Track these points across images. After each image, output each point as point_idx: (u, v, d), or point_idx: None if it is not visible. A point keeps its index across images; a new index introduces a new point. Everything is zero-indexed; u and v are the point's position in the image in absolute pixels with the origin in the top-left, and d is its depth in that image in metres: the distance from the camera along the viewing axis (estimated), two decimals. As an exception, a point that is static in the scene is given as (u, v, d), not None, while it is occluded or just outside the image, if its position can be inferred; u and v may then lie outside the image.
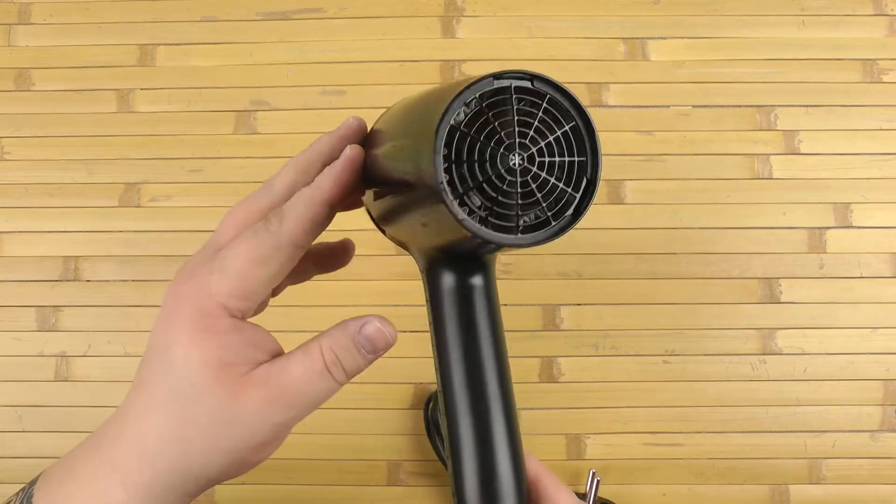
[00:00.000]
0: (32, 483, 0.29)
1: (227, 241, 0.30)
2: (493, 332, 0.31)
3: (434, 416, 0.62)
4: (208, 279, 0.28)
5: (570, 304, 0.65)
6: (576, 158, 0.26)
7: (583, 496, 0.60)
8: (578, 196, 0.26)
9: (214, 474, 0.28)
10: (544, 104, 0.25)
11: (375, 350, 0.29)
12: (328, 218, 0.31)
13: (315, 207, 0.29)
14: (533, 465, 0.32)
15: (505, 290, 0.65)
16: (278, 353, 0.31)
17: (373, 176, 0.32)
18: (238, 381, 0.27)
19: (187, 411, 0.26)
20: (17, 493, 0.29)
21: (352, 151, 0.31)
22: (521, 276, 0.65)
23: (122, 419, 0.29)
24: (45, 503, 0.28)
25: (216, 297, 0.27)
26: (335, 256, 0.38)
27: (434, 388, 0.64)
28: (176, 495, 0.27)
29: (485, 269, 0.31)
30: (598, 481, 0.59)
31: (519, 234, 0.25)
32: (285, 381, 0.28)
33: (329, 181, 0.30)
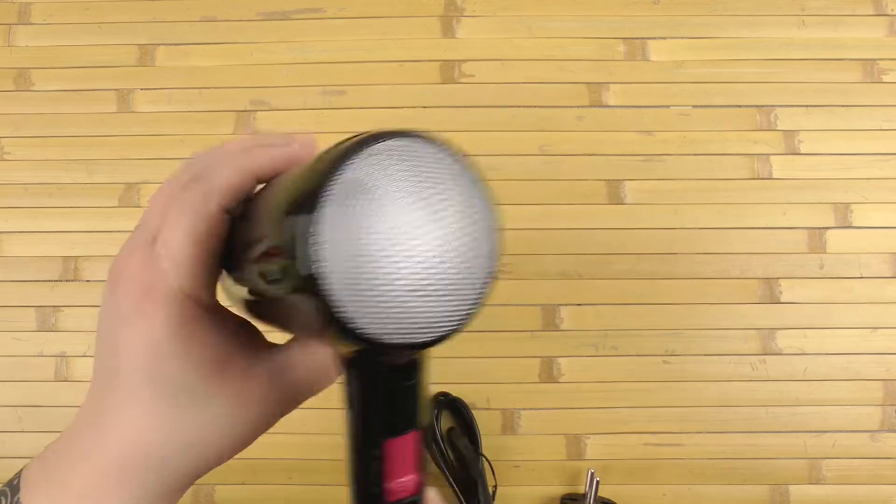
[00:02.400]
0: (15, 490, 0.27)
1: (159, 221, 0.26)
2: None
3: (432, 425, 0.62)
4: (160, 270, 0.25)
5: (570, 304, 0.65)
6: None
7: (583, 496, 0.60)
8: None
9: (201, 473, 0.27)
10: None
11: None
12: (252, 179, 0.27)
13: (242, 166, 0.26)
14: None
15: (505, 290, 0.65)
16: (265, 344, 0.29)
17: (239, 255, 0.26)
18: (239, 380, 0.26)
19: (183, 417, 0.25)
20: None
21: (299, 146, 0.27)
22: (521, 276, 0.65)
23: (100, 423, 0.26)
24: None
25: (183, 289, 0.25)
26: None
27: (434, 391, 0.64)
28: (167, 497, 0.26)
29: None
30: (597, 482, 0.59)
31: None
32: (289, 378, 0.28)
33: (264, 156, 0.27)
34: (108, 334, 0.26)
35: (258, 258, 0.23)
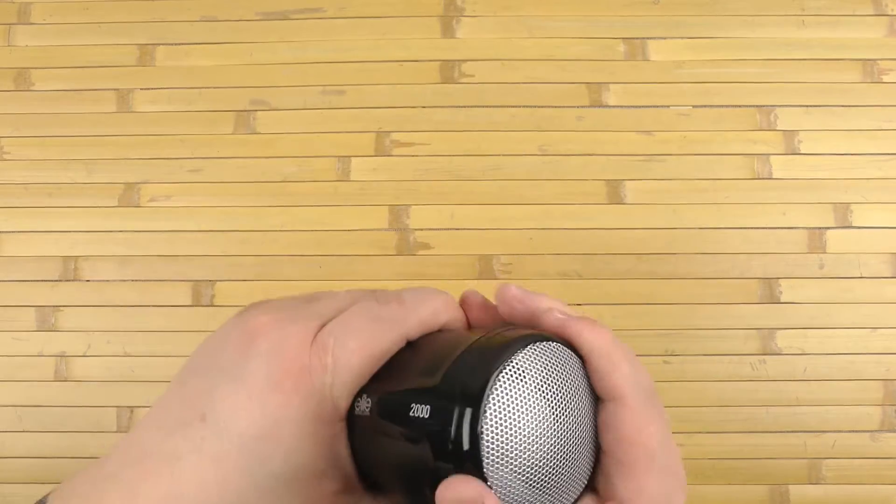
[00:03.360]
0: None
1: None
2: None
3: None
4: (321, 378, 0.23)
5: (570, 304, 0.65)
6: None
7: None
8: None
9: None
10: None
11: None
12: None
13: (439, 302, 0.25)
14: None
15: (505, 290, 0.65)
16: (357, 489, 0.25)
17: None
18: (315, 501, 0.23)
19: (249, 499, 0.22)
20: None
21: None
22: (521, 276, 0.65)
23: (157, 463, 0.23)
24: None
25: (332, 391, 0.23)
26: None
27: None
28: None
29: None
30: None
31: None
32: None
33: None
34: (213, 376, 0.23)
35: (410, 398, 0.22)
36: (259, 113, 0.69)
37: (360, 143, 0.68)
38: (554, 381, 0.20)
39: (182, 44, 0.70)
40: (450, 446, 0.19)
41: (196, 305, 0.66)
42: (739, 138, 0.68)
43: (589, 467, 0.21)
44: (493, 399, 0.19)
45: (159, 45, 0.70)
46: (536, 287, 0.65)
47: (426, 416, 0.20)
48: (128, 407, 0.65)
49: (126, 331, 0.65)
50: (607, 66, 0.69)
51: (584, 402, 0.21)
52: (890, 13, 0.69)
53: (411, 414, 0.21)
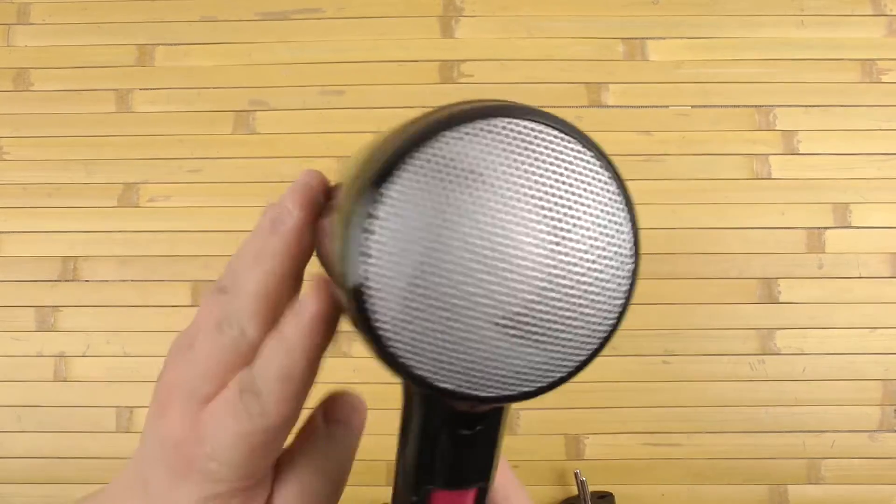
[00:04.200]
0: None
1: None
2: None
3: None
4: (206, 465, 0.23)
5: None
6: None
7: (577, 498, 0.60)
8: None
9: None
10: None
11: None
12: (314, 370, 0.23)
13: (295, 374, 0.22)
14: (504, 479, 0.29)
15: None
16: None
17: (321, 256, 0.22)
18: None
19: None
20: None
21: (315, 303, 0.21)
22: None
23: None
24: None
25: (225, 482, 0.24)
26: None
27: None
28: None
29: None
30: (583, 481, 0.59)
31: None
32: None
33: (297, 334, 0.22)
34: (147, 450, 0.25)
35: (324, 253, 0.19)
36: (258, 113, 0.69)
37: (359, 143, 0.68)
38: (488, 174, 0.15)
39: (181, 44, 0.70)
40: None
41: (196, 305, 0.66)
42: (738, 138, 0.68)
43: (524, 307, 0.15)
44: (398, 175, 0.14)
45: (159, 45, 0.70)
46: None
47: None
48: (127, 407, 0.65)
49: (126, 331, 0.65)
50: (606, 66, 0.69)
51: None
52: (889, 13, 0.69)
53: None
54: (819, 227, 0.66)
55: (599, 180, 0.16)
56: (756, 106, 0.68)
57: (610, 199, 0.16)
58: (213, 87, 0.69)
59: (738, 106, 0.68)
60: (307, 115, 0.68)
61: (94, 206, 0.67)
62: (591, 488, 0.60)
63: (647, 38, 0.69)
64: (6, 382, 0.65)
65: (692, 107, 0.68)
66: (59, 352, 0.65)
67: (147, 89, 0.69)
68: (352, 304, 0.15)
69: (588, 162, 0.16)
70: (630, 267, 0.16)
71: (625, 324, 0.61)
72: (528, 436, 0.63)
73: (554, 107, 0.68)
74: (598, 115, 0.67)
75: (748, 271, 0.65)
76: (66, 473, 0.63)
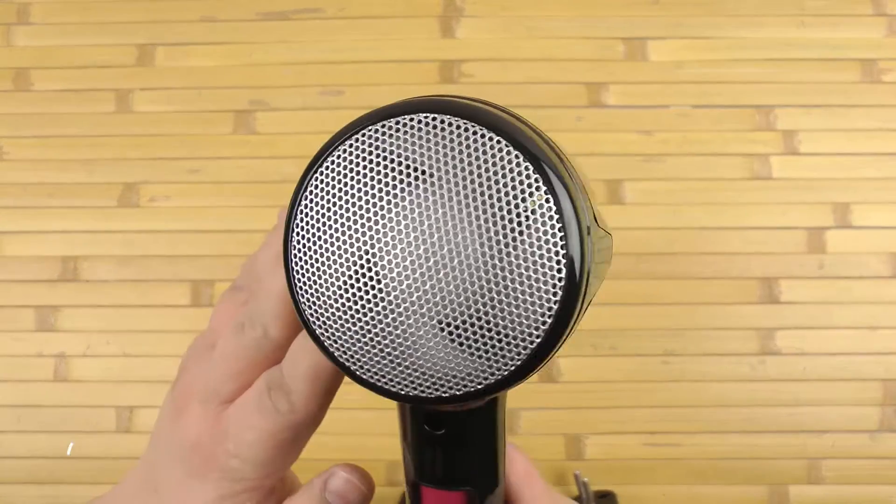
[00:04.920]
0: None
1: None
2: None
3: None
4: (227, 462, 0.24)
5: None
6: None
7: (578, 498, 0.60)
8: None
9: None
10: None
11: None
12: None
13: (324, 371, 0.23)
14: (519, 466, 0.30)
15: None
16: None
17: None
18: None
19: None
20: None
21: None
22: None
23: None
24: None
25: (244, 481, 0.24)
26: None
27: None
28: None
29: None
30: (584, 482, 0.59)
31: None
32: None
33: None
34: (159, 453, 0.26)
35: None
36: (258, 113, 0.69)
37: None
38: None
39: (181, 44, 0.70)
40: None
41: (195, 306, 0.66)
42: (739, 138, 0.68)
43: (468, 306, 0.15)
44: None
45: (159, 45, 0.70)
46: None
47: None
48: (127, 407, 0.65)
49: (126, 331, 0.65)
50: (607, 66, 0.69)
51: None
52: (889, 13, 0.69)
53: None
54: (819, 227, 0.66)
55: (462, 150, 0.16)
56: (756, 106, 0.68)
57: (491, 168, 0.16)
58: (214, 87, 0.69)
59: (739, 106, 0.68)
60: (307, 115, 0.68)
61: (94, 206, 0.67)
62: (592, 488, 0.60)
63: (647, 38, 0.69)
64: (6, 382, 0.65)
65: (693, 107, 0.68)
66: (59, 352, 0.65)
67: (147, 89, 0.69)
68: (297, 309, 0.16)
69: (514, 162, 0.16)
70: (557, 283, 0.15)
71: (625, 324, 0.61)
72: (528, 436, 0.63)
73: (554, 107, 0.68)
74: (598, 115, 0.67)
75: (748, 271, 0.65)
76: (66, 473, 0.63)
